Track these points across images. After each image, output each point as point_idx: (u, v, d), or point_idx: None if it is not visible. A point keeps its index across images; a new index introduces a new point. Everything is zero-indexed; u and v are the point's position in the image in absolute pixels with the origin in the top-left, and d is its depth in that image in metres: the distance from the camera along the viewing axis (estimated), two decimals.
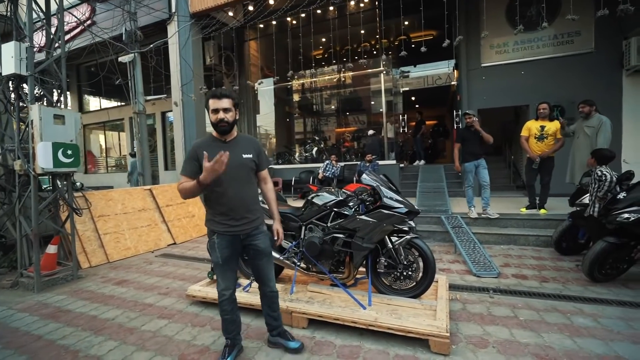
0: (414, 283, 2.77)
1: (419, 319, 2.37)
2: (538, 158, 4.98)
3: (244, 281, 3.27)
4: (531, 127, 5.12)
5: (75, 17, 6.82)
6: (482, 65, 7.38)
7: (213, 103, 1.96)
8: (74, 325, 2.86)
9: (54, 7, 4.24)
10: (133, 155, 8.66)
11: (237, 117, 2.10)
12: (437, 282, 3.02)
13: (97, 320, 2.93)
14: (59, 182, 4.11)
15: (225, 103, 1.96)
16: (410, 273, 2.75)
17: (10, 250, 4.47)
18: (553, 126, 4.94)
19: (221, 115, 1.95)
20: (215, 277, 3.32)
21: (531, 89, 6.86)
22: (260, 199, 2.36)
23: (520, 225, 5.01)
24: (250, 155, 2.08)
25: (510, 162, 8.77)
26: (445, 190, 6.65)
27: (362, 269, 3.02)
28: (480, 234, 4.90)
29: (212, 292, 3.08)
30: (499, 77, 7.21)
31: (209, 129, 12.04)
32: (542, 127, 5.01)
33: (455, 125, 8.13)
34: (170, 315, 2.98)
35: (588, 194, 3.72)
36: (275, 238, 2.24)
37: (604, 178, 3.43)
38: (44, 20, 4.12)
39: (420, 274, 2.77)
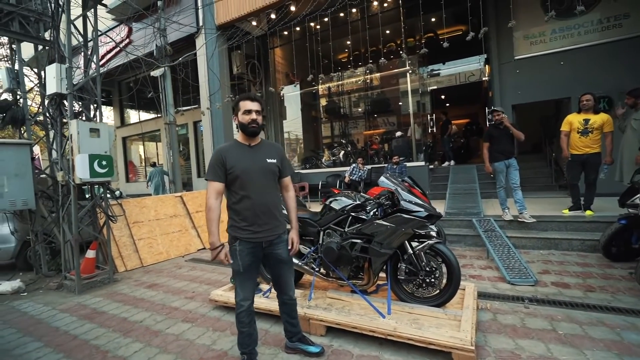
0: (438, 291, 2.62)
1: (442, 329, 2.23)
2: (568, 156, 4.61)
3: (263, 286, 3.29)
4: (573, 120, 4.69)
5: (111, 38, 7.35)
6: (516, 58, 6.93)
7: (246, 104, 1.98)
8: (107, 327, 3.02)
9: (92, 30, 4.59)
10: (153, 165, 10.15)
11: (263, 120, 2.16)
12: (463, 290, 2.84)
13: (127, 322, 3.08)
14: (96, 191, 4.40)
15: (257, 106, 2.00)
16: (433, 280, 2.60)
17: (58, 254, 4.85)
18: (599, 119, 4.49)
19: (254, 115, 1.98)
20: None
21: (573, 80, 6.32)
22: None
23: (562, 228, 4.59)
24: (274, 160, 2.07)
25: (551, 159, 8.13)
26: (477, 192, 6.29)
27: (382, 274, 2.90)
28: (515, 237, 4.56)
29: (233, 297, 3.11)
30: (535, 69, 6.73)
31: (237, 136, 12.36)
32: (586, 121, 4.57)
33: (488, 123, 7.69)
34: (194, 319, 3.06)
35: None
36: (290, 247, 2.18)
37: None
38: (82, 43, 4.46)
39: (444, 281, 2.61)
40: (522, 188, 5.38)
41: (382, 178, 2.74)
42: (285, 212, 2.31)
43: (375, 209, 2.77)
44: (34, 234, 4.64)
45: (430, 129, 9.40)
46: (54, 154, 4.67)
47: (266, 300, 2.94)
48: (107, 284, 4.26)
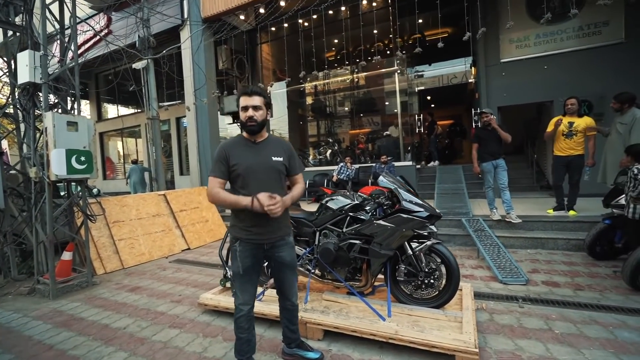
0: (437, 292, 2.59)
1: (444, 332, 2.19)
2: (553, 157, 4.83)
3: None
4: (558, 123, 4.82)
5: (91, 26, 6.95)
6: (502, 60, 7.08)
7: (243, 100, 1.87)
8: (86, 335, 2.81)
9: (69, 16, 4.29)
10: (134, 162, 9.73)
11: (268, 118, 1.98)
12: (461, 290, 2.83)
13: (108, 330, 2.88)
14: (73, 189, 4.13)
15: (256, 100, 1.86)
16: (432, 281, 2.57)
17: (29, 256, 4.52)
18: (582, 122, 4.63)
19: (250, 112, 1.85)
20: (227, 284, 3.25)
21: (556, 84, 6.51)
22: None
23: (548, 227, 4.71)
24: (281, 159, 1.94)
25: (533, 161, 8.38)
26: (465, 192, 6.37)
27: (380, 275, 2.85)
28: (504, 237, 4.63)
29: (223, 301, 2.99)
30: (520, 72, 6.90)
31: (223, 133, 12.12)
32: (571, 124, 4.70)
33: (474, 124, 7.83)
34: (182, 324, 2.90)
35: (624, 195, 3.43)
36: (270, 203, 1.76)
37: None
38: (58, 30, 4.16)
39: (443, 282, 2.58)
40: None
41: (381, 177, 2.69)
42: (290, 214, 2.20)
43: (374, 209, 2.71)
44: (2, 235, 4.30)
45: (417, 129, 9.48)
46: (26, 148, 4.35)
47: (259, 304, 2.82)
48: (85, 287, 4.00)
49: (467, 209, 5.48)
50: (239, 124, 1.94)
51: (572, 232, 4.51)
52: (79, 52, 8.88)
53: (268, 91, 10.49)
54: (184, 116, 9.29)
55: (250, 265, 1.92)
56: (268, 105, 1.96)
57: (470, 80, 10.03)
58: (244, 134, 1.97)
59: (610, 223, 3.67)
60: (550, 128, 4.85)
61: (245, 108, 1.86)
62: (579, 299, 2.92)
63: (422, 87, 11.70)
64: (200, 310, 3.14)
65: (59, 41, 4.21)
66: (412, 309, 2.52)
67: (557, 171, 4.92)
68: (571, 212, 4.78)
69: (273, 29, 8.11)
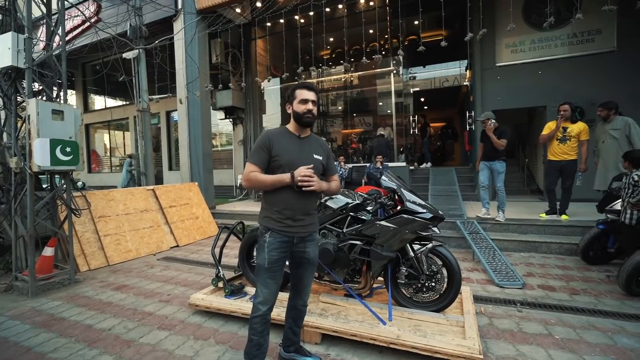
0: (438, 295, 2.53)
1: (447, 337, 2.13)
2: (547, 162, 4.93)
3: (249, 289, 3.06)
4: (553, 127, 4.86)
5: (81, 11, 6.67)
6: (497, 64, 7.13)
7: (302, 93, 1.87)
8: (68, 336, 2.64)
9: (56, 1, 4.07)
10: (130, 157, 9.21)
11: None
12: (460, 294, 2.78)
13: (92, 331, 2.72)
14: (57, 181, 3.92)
15: (314, 95, 1.89)
16: (433, 284, 2.51)
17: (7, 251, 4.28)
18: (576, 128, 4.68)
19: (310, 106, 1.87)
20: (220, 284, 3.12)
21: (549, 90, 6.59)
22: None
23: (541, 231, 4.74)
24: (321, 157, 1.94)
25: (523, 165, 8.50)
26: (458, 194, 6.39)
27: (379, 278, 2.78)
28: (498, 240, 4.63)
29: (215, 301, 2.87)
30: (515, 77, 6.96)
31: (215, 129, 11.89)
32: (565, 129, 4.75)
33: (467, 127, 7.87)
34: (171, 325, 2.76)
35: (620, 200, 3.46)
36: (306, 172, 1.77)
37: None
38: (45, 13, 3.94)
39: (445, 286, 2.53)
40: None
41: (383, 177, 2.61)
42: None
43: (376, 209, 2.63)
44: None
45: (412, 131, 9.49)
46: (6, 137, 4.11)
47: None
48: (68, 285, 3.80)
49: (461, 211, 5.48)
50: (291, 114, 1.93)
51: (565, 236, 4.55)
52: (67, 38, 8.56)
53: (262, 88, 10.36)
54: (175, 110, 9.06)
55: (277, 258, 1.84)
56: (318, 102, 1.98)
57: (464, 84, 10.09)
58: (290, 127, 1.94)
59: (604, 228, 3.70)
60: (546, 131, 4.88)
61: (306, 101, 1.86)
62: (575, 304, 2.92)
63: (417, 89, 11.73)
64: (190, 311, 3.01)
65: (45, 26, 3.99)
66: (413, 313, 2.46)
67: (550, 175, 4.96)
68: (564, 217, 4.83)
69: (269, 24, 7.96)
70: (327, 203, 2.79)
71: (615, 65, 6.16)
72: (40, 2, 3.90)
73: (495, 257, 3.99)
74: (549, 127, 4.89)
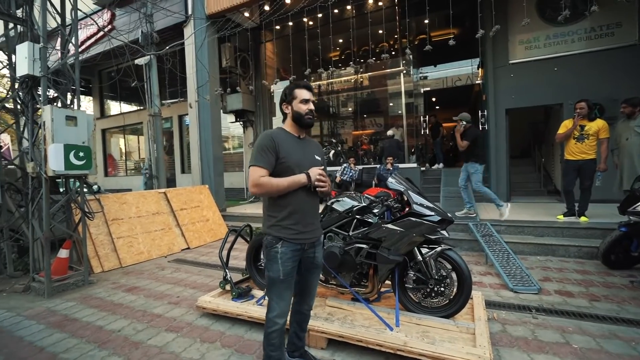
0: (447, 301, 2.46)
1: (456, 344, 2.06)
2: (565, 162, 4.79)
3: (256, 292, 3.05)
4: (569, 126, 4.69)
5: (94, 21, 6.87)
6: (510, 62, 6.93)
7: (302, 93, 1.83)
8: (79, 337, 2.70)
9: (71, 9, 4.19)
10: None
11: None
12: (471, 299, 2.69)
13: (102, 332, 2.76)
14: (72, 185, 4.03)
15: (311, 95, 1.86)
16: (442, 289, 2.44)
17: (26, 253, 4.42)
18: (595, 125, 4.50)
19: (311, 106, 1.84)
20: (227, 287, 3.13)
21: (566, 87, 6.36)
22: None
23: (559, 234, 4.56)
24: (320, 159, 1.92)
25: (540, 165, 8.24)
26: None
27: (387, 281, 2.73)
28: (512, 243, 4.49)
29: (222, 304, 2.87)
30: (529, 74, 6.75)
31: (227, 132, 12.03)
32: (582, 127, 4.57)
33: (480, 127, 7.69)
34: (179, 328, 2.78)
35: None
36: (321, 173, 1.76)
37: None
38: (60, 22, 4.07)
39: (454, 291, 2.45)
40: (512, 192, 6.29)
41: (390, 179, 2.56)
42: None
43: (382, 212, 2.58)
44: None
45: (423, 131, 9.35)
46: (25, 143, 4.25)
47: (259, 308, 2.70)
48: (81, 286, 3.89)
49: (474, 213, 5.33)
50: (289, 115, 1.88)
51: (584, 239, 4.37)
52: (83, 47, 8.84)
53: (271, 90, 10.41)
54: (187, 114, 9.20)
55: (291, 268, 1.77)
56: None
57: (477, 82, 9.88)
58: (287, 127, 1.88)
59: (627, 230, 3.52)
60: (562, 130, 4.71)
61: (307, 101, 1.82)
62: (596, 311, 2.78)
63: (428, 89, 11.56)
64: (198, 313, 3.03)
65: (60, 34, 4.11)
66: (421, 318, 2.40)
67: (567, 176, 4.78)
68: (582, 218, 4.64)
69: (277, 27, 8.01)
70: (333, 206, 2.76)
71: (637, 59, 5.89)
72: (55, 13, 4.02)
73: (510, 260, 3.86)
74: (566, 125, 4.72)
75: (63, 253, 3.94)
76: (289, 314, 1.98)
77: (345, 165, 8.12)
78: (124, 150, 13.31)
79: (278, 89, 10.85)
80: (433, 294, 2.46)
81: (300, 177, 1.71)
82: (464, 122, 5.24)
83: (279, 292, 1.77)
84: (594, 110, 5.84)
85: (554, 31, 6.57)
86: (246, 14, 7.48)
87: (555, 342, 2.33)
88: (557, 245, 4.32)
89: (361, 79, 11.41)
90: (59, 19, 4.18)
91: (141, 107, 11.56)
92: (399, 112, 10.11)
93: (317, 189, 1.74)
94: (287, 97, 1.87)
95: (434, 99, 13.01)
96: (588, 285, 3.35)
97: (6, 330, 2.87)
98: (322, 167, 1.86)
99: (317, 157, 1.89)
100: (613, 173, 4.49)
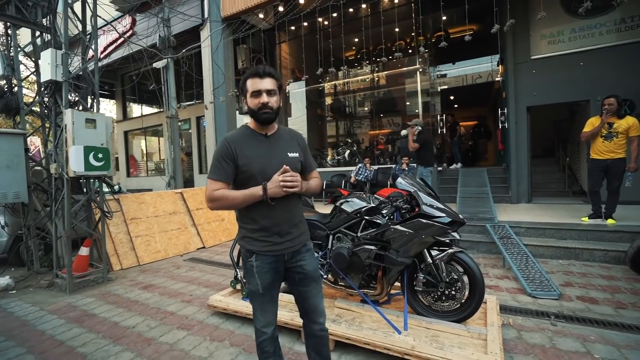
0: (458, 305, 2.38)
1: (466, 350, 1.99)
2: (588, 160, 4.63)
3: None
4: (596, 123, 4.45)
5: (114, 27, 7.14)
6: (532, 57, 6.65)
7: (253, 83, 1.51)
8: (96, 332, 2.80)
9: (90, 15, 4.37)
10: None
11: (281, 104, 1.61)
12: (485, 303, 2.60)
13: (118, 328, 2.85)
14: (92, 185, 4.19)
15: (268, 83, 1.51)
16: (453, 293, 2.36)
17: (52, 250, 4.64)
18: (624, 123, 4.24)
19: (264, 98, 1.50)
20: (237, 286, 3.16)
21: (592, 82, 6.04)
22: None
23: (583, 237, 4.34)
24: (297, 154, 1.62)
25: (564, 165, 7.87)
26: (489, 196, 6.03)
27: (397, 283, 2.67)
28: (532, 245, 4.31)
29: (233, 303, 2.90)
30: (553, 70, 6.45)
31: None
32: (610, 125, 4.32)
33: (500, 125, 7.43)
34: (190, 326, 2.83)
35: None
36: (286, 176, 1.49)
37: None
38: (81, 29, 4.24)
39: (466, 294, 2.37)
40: (534, 193, 6.26)
41: (399, 179, 2.51)
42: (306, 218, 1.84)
43: (391, 213, 2.53)
44: (26, 228, 4.43)
45: (439, 130, 9.14)
46: (50, 145, 4.46)
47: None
48: (101, 283, 4.04)
49: (492, 214, 5.16)
50: (250, 114, 1.58)
51: (611, 242, 4.13)
52: (106, 52, 9.19)
53: (287, 91, 10.47)
54: (204, 115, 9.40)
55: (270, 281, 1.58)
56: (281, 88, 1.60)
57: (497, 79, 9.57)
58: (252, 124, 1.61)
59: None
60: (588, 128, 4.48)
61: (258, 93, 1.50)
62: (621, 319, 2.62)
63: (446, 87, 11.32)
64: (209, 312, 3.07)
65: (81, 41, 4.29)
66: (431, 322, 2.33)
67: (593, 176, 4.53)
68: (610, 221, 4.38)
69: (292, 27, 8.04)
70: (341, 207, 2.73)
71: None
72: (77, 20, 4.19)
73: (529, 264, 3.70)
74: (592, 123, 4.48)
75: (84, 251, 4.10)
76: (302, 335, 1.80)
77: (360, 165, 8.06)
78: (145, 152, 13.76)
79: (293, 89, 10.92)
80: (444, 298, 2.39)
81: (255, 191, 1.47)
82: (419, 127, 5.92)
83: (261, 305, 1.61)
84: (623, 106, 5.53)
85: (579, 24, 6.26)
86: (261, 15, 7.56)
87: (575, 351, 2.21)
88: (581, 248, 4.10)
89: (377, 78, 11.30)
90: (80, 26, 4.37)
91: (161, 110, 11.90)
92: (416, 110, 9.94)
93: (284, 190, 1.46)
94: (242, 90, 1.59)
95: (452, 97, 12.71)
96: (614, 291, 3.16)
97: (30, 324, 3.02)
98: (298, 161, 1.61)
99: (291, 155, 1.60)
100: None
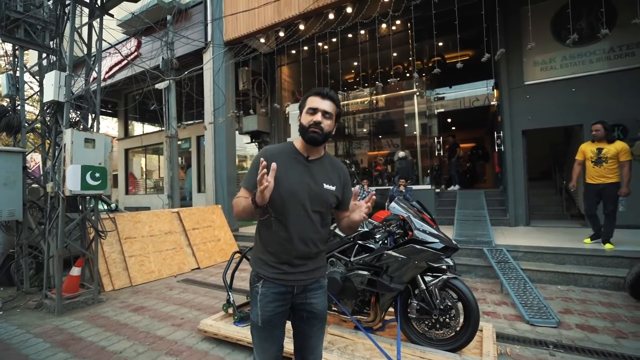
0: (453, 333, 2.33)
1: None
2: (574, 187, 4.70)
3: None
4: (586, 150, 4.53)
5: (118, 50, 7.37)
6: (525, 83, 6.83)
7: (312, 101, 1.44)
8: (81, 357, 2.71)
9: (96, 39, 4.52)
10: None
11: (333, 132, 1.50)
12: (481, 331, 2.54)
13: (104, 353, 2.77)
14: (89, 203, 4.19)
15: (327, 105, 1.43)
16: (447, 320, 2.32)
17: (43, 269, 4.57)
18: (613, 148, 4.30)
19: (318, 117, 1.41)
20: (229, 310, 3.10)
21: (585, 107, 6.17)
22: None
23: (581, 262, 4.29)
24: (334, 188, 1.48)
25: (562, 187, 7.89)
26: (487, 219, 6.01)
27: (391, 308, 2.62)
28: (531, 270, 4.26)
29: (223, 328, 2.83)
30: (546, 95, 6.61)
31: (244, 152, 12.37)
32: (599, 150, 4.39)
33: (497, 148, 7.52)
34: (179, 352, 2.75)
35: None
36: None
37: None
38: (85, 52, 4.37)
39: (461, 322, 2.32)
40: (531, 216, 6.12)
41: (392, 204, 2.51)
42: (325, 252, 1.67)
43: (384, 238, 2.52)
44: (18, 247, 4.38)
45: (437, 152, 9.23)
46: (49, 163, 4.49)
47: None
48: (91, 304, 3.95)
49: (489, 238, 5.12)
50: (299, 131, 1.49)
51: (610, 268, 4.08)
52: (110, 73, 9.43)
53: (286, 112, 10.65)
54: (204, 135, 9.51)
55: (273, 314, 1.43)
56: (338, 117, 1.51)
57: (492, 103, 9.77)
58: (297, 143, 1.50)
59: None
60: (579, 156, 4.58)
61: (314, 111, 1.42)
62: (622, 349, 2.55)
63: (442, 110, 11.53)
64: (200, 337, 2.99)
65: (85, 64, 4.42)
66: (425, 351, 2.27)
67: (588, 200, 4.56)
68: (607, 246, 4.35)
69: (292, 51, 8.29)
70: (335, 230, 2.72)
71: None
72: (82, 43, 4.33)
73: (527, 289, 3.65)
74: (582, 151, 4.57)
75: (75, 271, 4.04)
76: None
77: (358, 186, 8.06)
78: (144, 170, 13.82)
79: (293, 110, 11.11)
80: (438, 325, 2.34)
81: (249, 200, 1.32)
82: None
83: (259, 341, 1.47)
84: (613, 132, 5.63)
85: (570, 52, 6.47)
86: (262, 40, 7.80)
87: None
88: (580, 274, 4.05)
89: (376, 100, 11.53)
90: (85, 49, 4.51)
91: (162, 128, 12.07)
92: (414, 133, 10.07)
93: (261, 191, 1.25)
94: (300, 106, 1.51)
95: (449, 120, 12.91)
96: (614, 319, 3.10)
97: (14, 347, 2.93)
98: (333, 195, 1.47)
99: (327, 186, 1.45)
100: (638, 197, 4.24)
